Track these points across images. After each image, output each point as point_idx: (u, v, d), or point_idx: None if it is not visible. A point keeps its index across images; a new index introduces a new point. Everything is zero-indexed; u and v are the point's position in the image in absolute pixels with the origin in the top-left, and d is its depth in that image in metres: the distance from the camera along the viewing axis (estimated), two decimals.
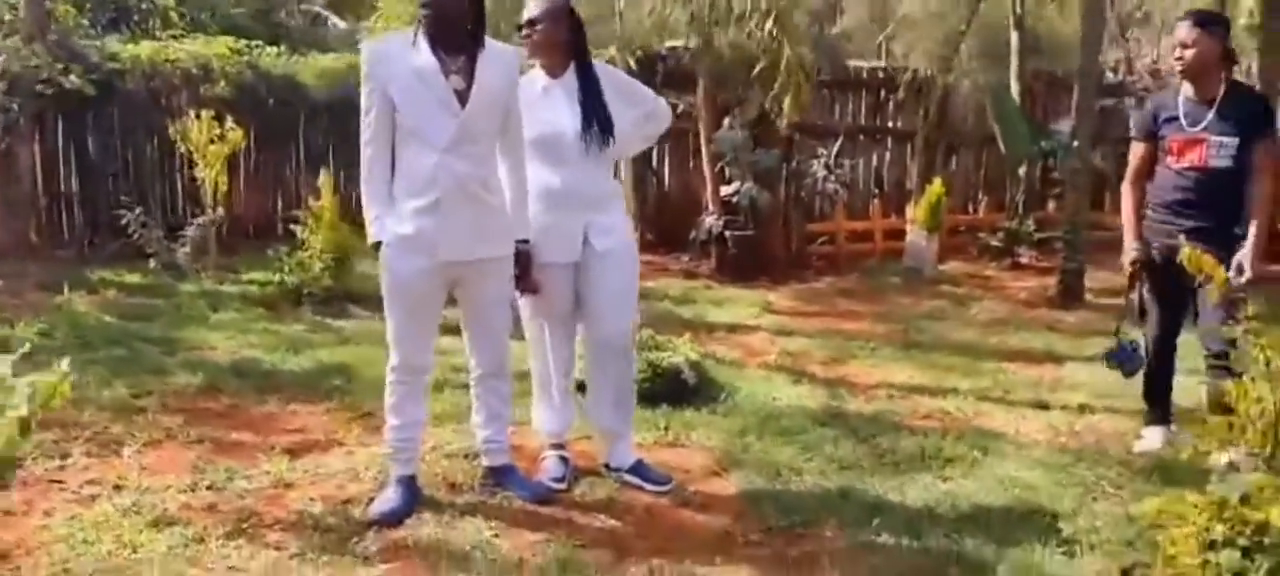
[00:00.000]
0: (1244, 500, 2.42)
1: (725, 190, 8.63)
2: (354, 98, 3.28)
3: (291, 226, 7.07)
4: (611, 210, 3.52)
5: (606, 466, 3.65)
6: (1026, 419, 4.59)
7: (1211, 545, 2.43)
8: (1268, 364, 2.43)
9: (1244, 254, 3.71)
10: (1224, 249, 3.59)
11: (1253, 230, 3.75)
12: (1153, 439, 4.13)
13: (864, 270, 9.08)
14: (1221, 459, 2.63)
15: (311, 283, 6.69)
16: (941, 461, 3.91)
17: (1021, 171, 10.47)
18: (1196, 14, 4.07)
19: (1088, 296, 7.79)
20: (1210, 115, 3.83)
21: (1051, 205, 10.83)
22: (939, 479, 3.74)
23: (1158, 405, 4.18)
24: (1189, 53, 3.84)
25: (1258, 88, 6.77)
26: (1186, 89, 3.92)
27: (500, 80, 3.20)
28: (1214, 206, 3.83)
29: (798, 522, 3.30)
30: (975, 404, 4.82)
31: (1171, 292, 3.97)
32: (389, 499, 3.29)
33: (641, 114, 3.57)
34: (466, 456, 3.75)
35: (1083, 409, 4.75)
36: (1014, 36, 11.42)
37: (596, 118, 3.40)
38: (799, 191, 9.52)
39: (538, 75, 3.48)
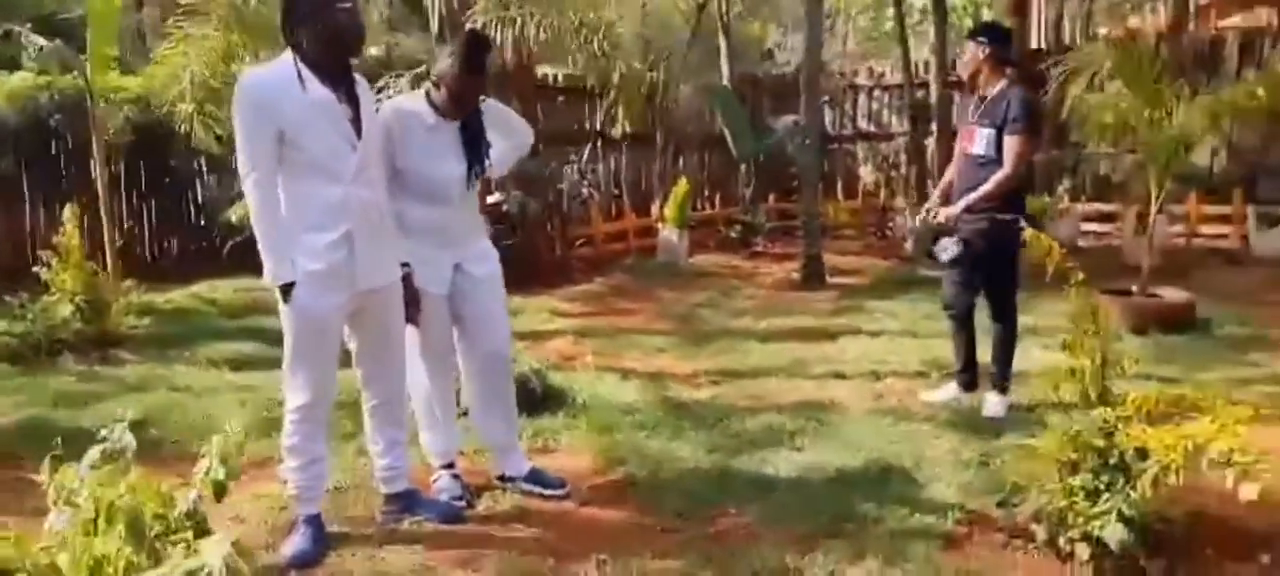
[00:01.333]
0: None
1: (491, 199, 8.69)
2: (46, 121, 3.04)
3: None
4: (481, 237, 3.60)
5: (501, 478, 3.69)
6: (834, 388, 5.15)
7: (1071, 468, 2.98)
8: (1094, 329, 3.00)
9: (954, 207, 4.49)
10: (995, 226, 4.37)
11: (970, 196, 4.43)
12: (994, 407, 4.59)
13: (624, 268, 9.52)
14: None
15: (61, 329, 5.99)
16: (789, 435, 4.30)
17: (748, 166, 11.46)
18: (982, 25, 4.85)
19: (829, 277, 8.74)
20: (979, 111, 4.54)
21: (771, 197, 11.92)
22: (794, 450, 4.13)
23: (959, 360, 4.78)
24: (964, 58, 4.60)
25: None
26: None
27: (371, 107, 3.19)
28: (978, 187, 4.45)
29: (700, 505, 3.54)
30: (788, 381, 5.33)
31: (975, 265, 4.52)
32: (299, 540, 3.14)
33: (512, 144, 3.66)
34: (357, 487, 3.64)
35: (874, 375, 5.40)
36: (722, 42, 12.42)
37: (482, 159, 3.46)
38: (557, 197, 9.79)
39: (423, 109, 3.42)
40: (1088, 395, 3.80)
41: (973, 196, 4.45)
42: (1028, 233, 3.64)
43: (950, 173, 4.80)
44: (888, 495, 3.58)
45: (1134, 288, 6.69)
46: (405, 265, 3.31)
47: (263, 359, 6.01)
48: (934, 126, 10.98)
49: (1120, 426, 2.88)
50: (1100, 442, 2.91)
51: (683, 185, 10.02)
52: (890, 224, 11.84)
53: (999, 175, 4.41)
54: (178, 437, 4.41)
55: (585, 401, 4.78)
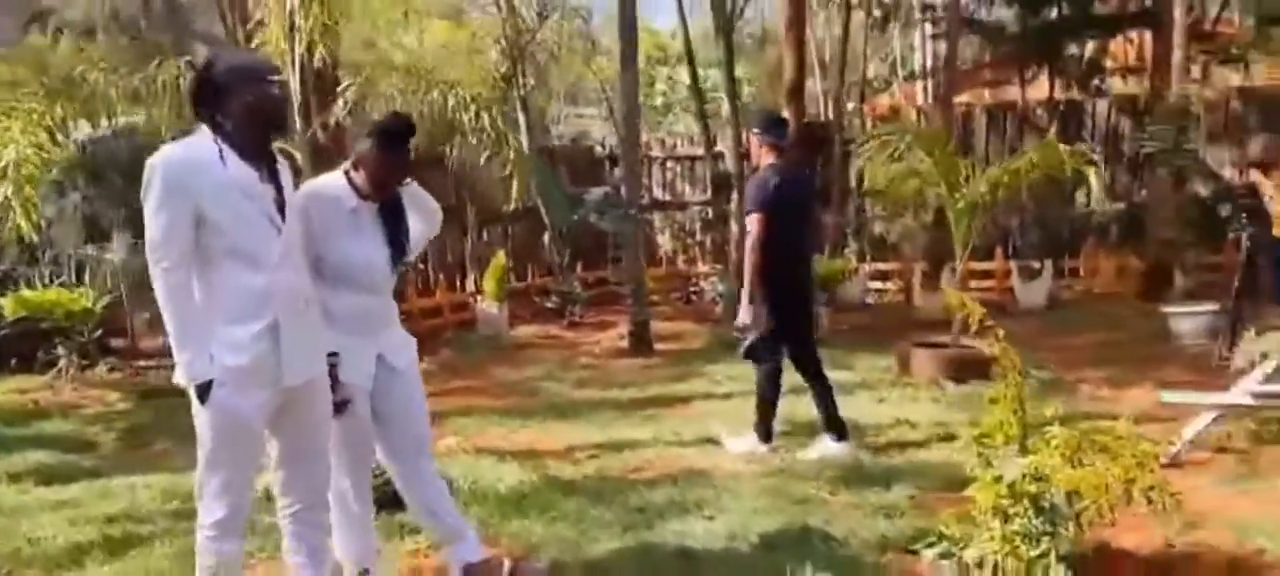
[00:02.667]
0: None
1: None
2: None
3: None
4: (398, 326, 3.43)
5: (467, 570, 3.45)
6: (714, 455, 5.22)
7: (1003, 515, 3.18)
8: (1017, 382, 3.25)
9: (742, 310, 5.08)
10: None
11: (744, 294, 5.07)
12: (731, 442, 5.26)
13: (447, 344, 9.25)
14: None
15: None
16: (695, 505, 4.30)
17: (557, 236, 11.51)
18: (759, 116, 5.63)
19: (655, 344, 8.90)
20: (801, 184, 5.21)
21: (578, 266, 12.02)
22: (707, 520, 4.12)
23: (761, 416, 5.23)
24: (751, 147, 5.24)
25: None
26: (781, 164, 5.11)
27: (291, 188, 2.97)
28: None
29: None
30: (666, 450, 5.35)
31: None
32: None
33: (428, 226, 3.52)
34: None
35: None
36: (521, 115, 12.52)
37: (404, 243, 3.32)
38: None
39: (343, 192, 3.22)
40: (1013, 440, 4.07)
41: (745, 294, 5.05)
42: (948, 292, 3.83)
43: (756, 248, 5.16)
44: (817, 554, 3.66)
45: (946, 340, 7.29)
46: (332, 356, 3.07)
47: (72, 470, 5.40)
48: (734, 196, 11.54)
49: (1051, 471, 3.11)
50: (1032, 488, 3.12)
51: (500, 258, 9.91)
52: (695, 289, 12.26)
53: (749, 257, 5.02)
54: (9, 569, 3.81)
55: (470, 488, 4.57)
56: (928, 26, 15.32)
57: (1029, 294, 10.55)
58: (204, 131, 2.79)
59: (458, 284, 10.80)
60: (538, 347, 9.22)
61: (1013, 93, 12.56)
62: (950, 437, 5.31)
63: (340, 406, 3.14)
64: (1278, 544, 3.59)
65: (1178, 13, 9.48)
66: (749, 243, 5.03)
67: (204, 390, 2.70)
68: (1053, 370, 7.11)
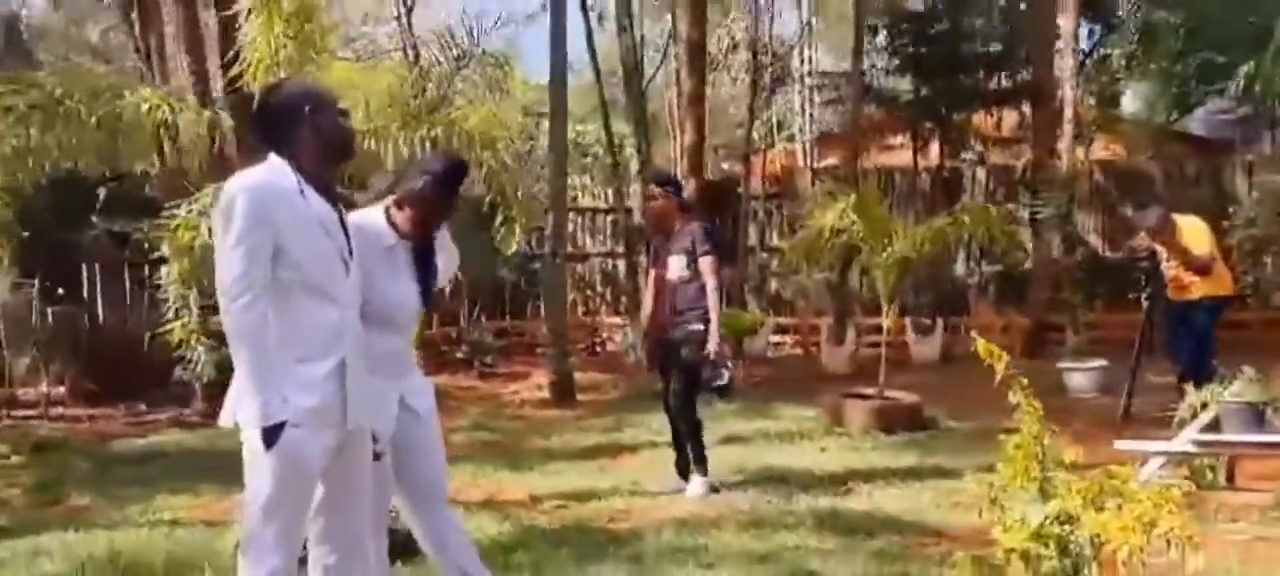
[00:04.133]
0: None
1: None
2: None
3: None
4: (415, 369, 3.35)
5: None
6: (682, 503, 5.22)
7: (1027, 559, 3.32)
8: (1039, 428, 3.41)
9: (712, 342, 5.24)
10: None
11: (713, 330, 5.23)
12: (696, 488, 5.35)
13: None
14: None
15: None
16: (691, 553, 4.30)
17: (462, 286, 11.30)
18: (657, 174, 6.11)
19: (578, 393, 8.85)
20: (668, 245, 5.40)
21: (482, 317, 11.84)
22: (706, 568, 4.12)
23: (680, 458, 5.51)
24: (654, 204, 5.50)
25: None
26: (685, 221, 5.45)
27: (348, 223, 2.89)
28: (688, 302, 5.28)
29: None
30: (631, 499, 5.33)
31: (664, 372, 5.50)
32: None
33: (449, 267, 3.45)
34: None
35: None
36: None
37: (432, 283, 3.26)
38: None
39: (383, 229, 3.13)
40: (1034, 485, 4.23)
41: (714, 329, 5.22)
42: (979, 342, 3.92)
43: (650, 300, 5.57)
44: None
45: (873, 391, 7.55)
46: None
47: None
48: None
49: (1076, 515, 3.27)
50: (1058, 531, 3.28)
51: None
52: (599, 341, 12.28)
53: (713, 297, 5.24)
54: None
55: None
56: (810, 91, 16.06)
57: (923, 349, 11.06)
58: (276, 161, 2.67)
59: None
60: (457, 398, 8.99)
61: (889, 157, 13.30)
62: (907, 483, 5.53)
63: (377, 454, 3.02)
64: None
65: (1068, 90, 10.28)
66: (713, 283, 5.26)
67: (273, 433, 2.55)
68: (967, 420, 7.45)
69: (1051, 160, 10.83)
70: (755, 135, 16.42)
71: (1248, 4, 12.36)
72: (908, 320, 11.37)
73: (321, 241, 2.67)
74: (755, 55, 13.47)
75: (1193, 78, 13.98)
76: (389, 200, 3.21)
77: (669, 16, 14.43)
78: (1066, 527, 3.26)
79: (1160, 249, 7.17)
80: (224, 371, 2.84)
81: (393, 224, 3.15)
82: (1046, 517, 3.31)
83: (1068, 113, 10.38)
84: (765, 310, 12.25)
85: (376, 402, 2.91)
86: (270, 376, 2.55)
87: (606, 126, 12.39)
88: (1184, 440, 4.81)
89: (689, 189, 13.37)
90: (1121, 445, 5.19)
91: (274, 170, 2.66)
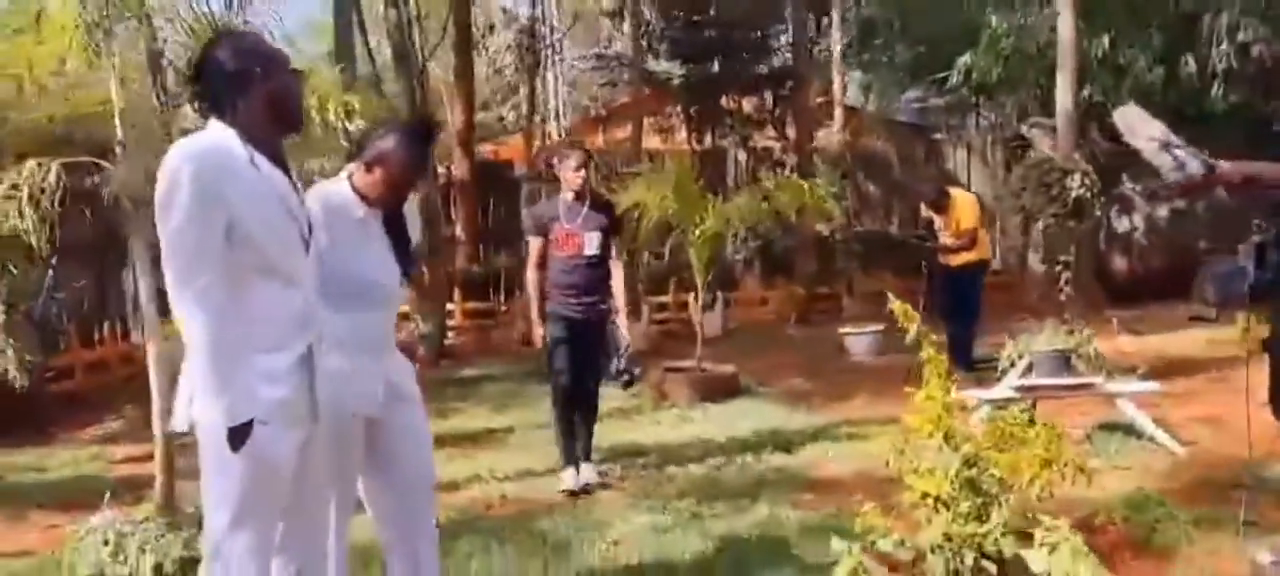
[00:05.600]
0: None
1: None
2: None
3: None
4: (397, 350, 3.10)
5: None
6: (551, 486, 5.13)
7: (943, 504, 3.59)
8: (943, 379, 3.68)
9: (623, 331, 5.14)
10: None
11: (623, 306, 5.15)
12: (569, 478, 5.00)
13: (130, 401, 7.95)
14: None
15: None
16: (590, 534, 4.26)
17: None
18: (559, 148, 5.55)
19: None
20: (581, 216, 4.98)
21: None
22: (612, 545, 4.12)
23: (570, 447, 5.08)
24: (583, 172, 5.00)
25: None
26: (566, 195, 5.04)
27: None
28: (597, 286, 5.01)
29: None
30: (499, 485, 5.20)
31: (581, 353, 5.01)
32: None
33: (414, 235, 3.25)
34: None
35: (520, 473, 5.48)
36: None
37: (411, 256, 3.06)
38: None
39: (350, 199, 2.89)
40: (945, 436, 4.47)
41: (624, 317, 5.15)
42: (895, 304, 4.08)
43: (536, 276, 5.03)
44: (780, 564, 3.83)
45: (690, 365, 7.80)
46: None
47: None
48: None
49: (983, 457, 3.58)
50: (970, 473, 3.58)
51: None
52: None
53: (621, 282, 5.11)
54: None
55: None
56: (563, 71, 16.20)
57: (708, 323, 11.51)
58: (220, 127, 2.35)
59: (118, 332, 9.28)
60: None
61: (660, 140, 13.73)
62: (755, 448, 5.77)
63: None
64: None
65: (837, 76, 11.07)
66: (620, 267, 5.13)
67: (241, 433, 2.26)
68: (771, 385, 7.91)
69: (810, 141, 11.66)
70: (517, 115, 16.37)
71: (957, 2, 14.00)
72: (690, 296, 11.81)
73: (280, 217, 2.39)
74: (533, 33, 13.33)
75: (906, 69, 15.66)
76: (351, 167, 2.96)
77: None
78: (974, 470, 3.57)
79: (938, 220, 7.95)
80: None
81: (359, 191, 2.91)
82: (961, 460, 3.59)
83: (838, 96, 11.19)
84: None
85: (357, 385, 2.68)
86: (234, 370, 2.27)
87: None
88: (1006, 386, 5.40)
89: (462, 169, 13.16)
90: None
91: (221, 138, 2.35)
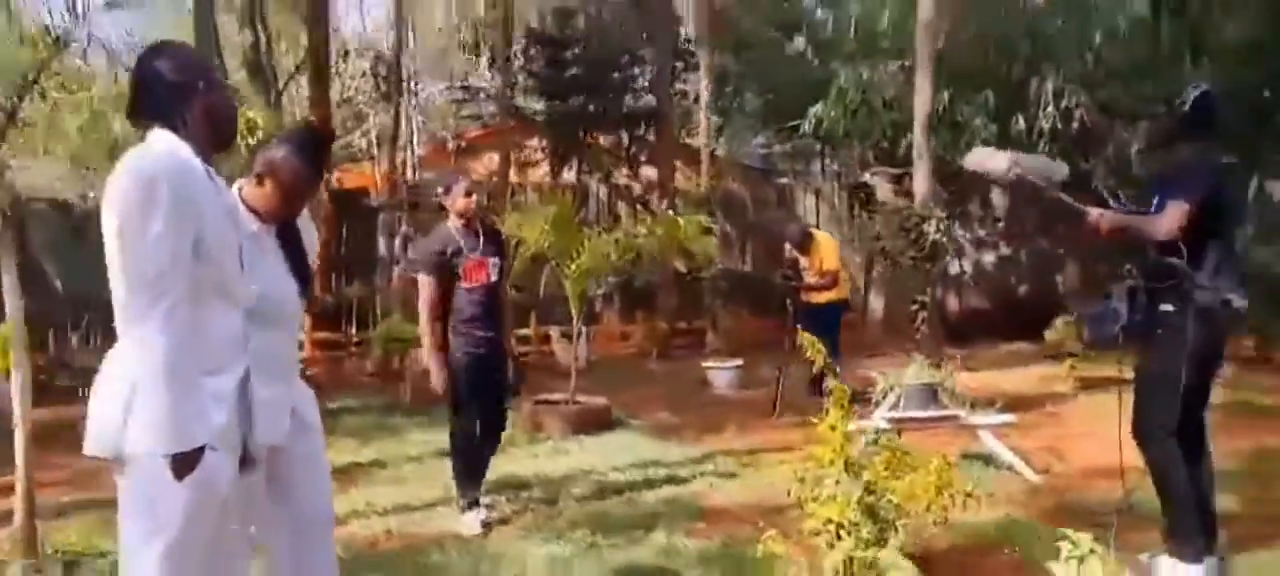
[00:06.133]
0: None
1: None
2: None
3: None
4: (298, 375, 2.98)
5: None
6: (436, 520, 5.01)
7: (841, 528, 3.74)
8: (845, 411, 3.85)
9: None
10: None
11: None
12: (473, 520, 4.77)
13: None
14: None
15: None
16: (489, 567, 4.20)
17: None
18: (450, 176, 5.54)
19: None
20: (482, 245, 4.85)
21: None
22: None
23: (471, 487, 4.89)
24: (471, 199, 4.85)
25: None
26: (456, 224, 4.85)
27: None
28: (500, 312, 4.93)
29: None
30: (381, 519, 5.02)
31: (487, 388, 4.88)
32: None
33: (312, 249, 3.10)
34: None
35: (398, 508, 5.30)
36: None
37: (309, 273, 2.94)
38: None
39: (242, 212, 2.72)
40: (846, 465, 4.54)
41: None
42: (805, 337, 4.15)
43: (429, 312, 4.77)
44: None
45: (561, 398, 7.78)
46: None
47: None
48: None
49: (881, 484, 3.75)
50: (870, 499, 3.74)
51: (7, 327, 8.00)
52: None
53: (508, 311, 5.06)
54: None
55: None
56: (426, 100, 15.99)
57: (562, 352, 11.53)
58: (169, 137, 2.25)
59: None
60: (67, 434, 7.62)
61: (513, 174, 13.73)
62: (639, 480, 5.81)
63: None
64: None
65: (703, 118, 11.36)
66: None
67: (190, 460, 2.14)
68: (641, 417, 7.99)
69: (672, 180, 11.93)
70: (368, 143, 15.97)
71: (805, 59, 14.76)
72: (554, 329, 11.80)
73: (230, 234, 2.32)
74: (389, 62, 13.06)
75: (757, 115, 16.31)
76: (241, 181, 2.82)
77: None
78: (873, 497, 3.74)
79: (802, 260, 8.29)
80: None
81: (249, 205, 2.77)
82: (863, 489, 3.75)
83: (704, 139, 11.50)
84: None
85: (278, 415, 2.57)
86: (189, 393, 2.15)
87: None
88: (879, 417, 5.66)
89: (323, 196, 12.70)
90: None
91: (179, 149, 2.24)
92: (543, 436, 7.28)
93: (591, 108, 12.68)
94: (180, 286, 2.13)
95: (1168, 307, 3.55)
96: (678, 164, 13.30)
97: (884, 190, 13.58)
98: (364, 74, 15.50)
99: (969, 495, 3.83)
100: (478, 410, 4.88)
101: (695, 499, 5.38)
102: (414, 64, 15.43)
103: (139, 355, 2.12)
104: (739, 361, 9.67)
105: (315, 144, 2.90)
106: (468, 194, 4.89)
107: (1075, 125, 10.81)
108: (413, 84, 15.51)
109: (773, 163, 16.55)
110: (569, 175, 13.09)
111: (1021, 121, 11.50)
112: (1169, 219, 3.51)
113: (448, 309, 4.83)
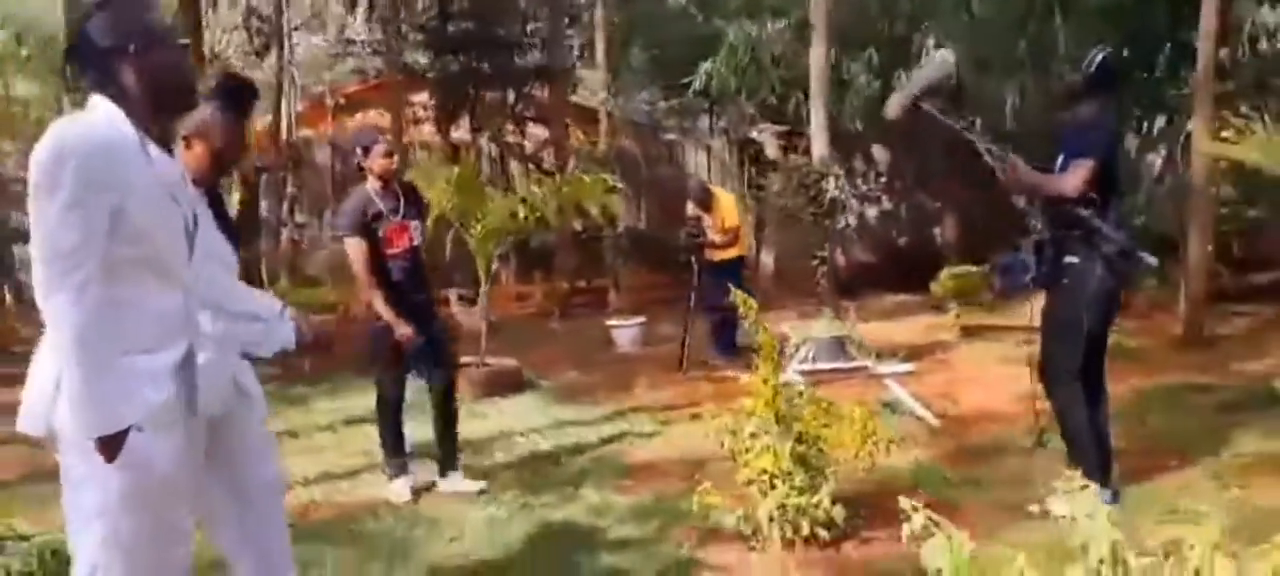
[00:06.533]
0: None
1: None
2: None
3: None
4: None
5: None
6: (364, 488, 4.98)
7: (777, 478, 3.90)
8: (775, 365, 3.99)
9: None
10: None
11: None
12: (401, 487, 4.74)
13: None
14: None
15: None
16: (427, 531, 4.21)
17: None
18: (366, 134, 5.12)
19: None
20: (404, 208, 4.71)
21: None
22: (451, 541, 4.11)
23: (400, 454, 4.84)
24: (391, 160, 4.72)
25: None
26: (374, 185, 4.67)
27: None
28: (423, 277, 4.81)
29: None
30: (308, 491, 4.95)
31: (424, 353, 4.73)
32: None
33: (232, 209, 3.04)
34: None
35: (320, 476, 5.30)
36: None
37: (237, 238, 2.86)
38: None
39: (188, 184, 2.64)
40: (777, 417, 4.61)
41: None
42: (735, 293, 4.20)
43: (366, 274, 4.59)
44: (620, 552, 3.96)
45: (471, 360, 7.74)
46: None
47: None
48: None
49: (811, 434, 3.92)
50: (801, 449, 3.91)
51: None
52: None
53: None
54: None
55: None
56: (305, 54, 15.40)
57: (469, 320, 11.42)
58: (104, 105, 2.17)
59: None
60: None
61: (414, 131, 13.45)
62: (566, 437, 5.87)
63: None
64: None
65: (603, 75, 11.29)
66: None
67: (116, 442, 2.10)
68: (551, 378, 8.04)
69: (565, 139, 11.90)
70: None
71: (689, 15, 14.86)
72: (452, 293, 11.66)
73: (168, 209, 2.24)
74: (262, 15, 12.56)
75: (644, 72, 16.37)
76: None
77: None
78: (805, 446, 3.91)
79: (705, 217, 8.44)
80: None
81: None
82: (795, 439, 3.91)
83: (603, 96, 11.46)
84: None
85: (216, 384, 2.52)
86: (111, 373, 2.09)
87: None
88: (792, 371, 5.88)
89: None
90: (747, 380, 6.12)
91: (105, 117, 2.16)
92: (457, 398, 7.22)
93: (480, 64, 12.46)
94: (91, 263, 2.04)
95: (1073, 259, 3.82)
96: (570, 122, 13.26)
97: (772, 147, 13.89)
98: (236, 27, 14.80)
99: (892, 443, 4.04)
100: (401, 379, 4.79)
101: (618, 456, 5.49)
102: (288, 13, 14.81)
103: (54, 332, 2.07)
104: (642, 319, 9.79)
105: (238, 93, 2.82)
106: (387, 154, 4.74)
107: (953, 81, 11.24)
108: (289, 38, 14.90)
109: (657, 120, 16.65)
110: (458, 133, 12.86)
111: (904, 77, 11.89)
112: (1076, 177, 3.77)
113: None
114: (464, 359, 7.85)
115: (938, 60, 4.66)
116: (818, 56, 8.23)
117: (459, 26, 12.25)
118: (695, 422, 6.21)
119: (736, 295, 4.01)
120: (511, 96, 13.22)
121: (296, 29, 14.85)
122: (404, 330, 4.57)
